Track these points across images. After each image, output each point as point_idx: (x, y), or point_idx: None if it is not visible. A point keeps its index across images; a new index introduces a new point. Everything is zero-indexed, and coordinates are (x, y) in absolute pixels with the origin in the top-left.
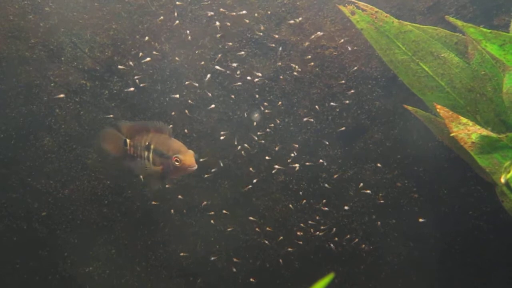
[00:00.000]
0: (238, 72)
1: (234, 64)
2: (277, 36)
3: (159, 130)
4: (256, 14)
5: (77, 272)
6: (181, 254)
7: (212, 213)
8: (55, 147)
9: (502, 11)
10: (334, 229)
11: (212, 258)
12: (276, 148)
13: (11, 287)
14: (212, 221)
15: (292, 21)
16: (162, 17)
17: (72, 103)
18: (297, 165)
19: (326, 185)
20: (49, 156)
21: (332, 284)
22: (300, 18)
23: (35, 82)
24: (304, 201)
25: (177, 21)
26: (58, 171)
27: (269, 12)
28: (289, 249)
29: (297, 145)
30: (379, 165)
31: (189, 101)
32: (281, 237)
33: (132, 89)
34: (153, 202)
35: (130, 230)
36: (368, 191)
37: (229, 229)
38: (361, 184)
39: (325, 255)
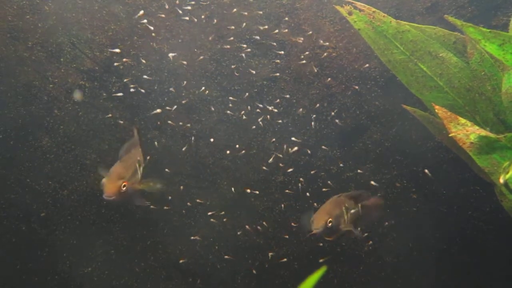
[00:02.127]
0: (237, 72)
1: (233, 65)
2: (276, 36)
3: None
4: (255, 15)
5: (76, 273)
6: (180, 254)
7: (211, 213)
8: (54, 148)
9: (500, 11)
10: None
11: (211, 258)
12: (275, 149)
13: None
14: (211, 222)
15: (291, 22)
16: (161, 18)
17: (70, 104)
18: (296, 164)
19: (325, 185)
20: (47, 156)
21: (332, 284)
22: (299, 19)
23: (34, 83)
24: (304, 201)
25: (175, 22)
26: (56, 171)
27: (268, 13)
28: (288, 249)
29: (296, 146)
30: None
31: (188, 101)
32: (280, 238)
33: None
34: (150, 205)
35: (129, 231)
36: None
37: (228, 230)
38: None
39: (324, 256)
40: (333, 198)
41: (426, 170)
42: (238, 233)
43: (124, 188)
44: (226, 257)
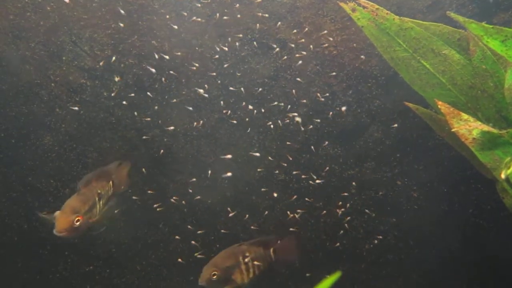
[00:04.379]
0: (238, 71)
1: (234, 64)
2: (277, 35)
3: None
4: (256, 13)
5: (78, 272)
6: (181, 253)
7: (212, 212)
8: (56, 146)
9: (501, 9)
10: (334, 227)
11: (212, 257)
12: (276, 147)
13: (12, 287)
14: (212, 220)
15: (291, 20)
16: (161, 16)
17: (72, 103)
18: (297, 163)
19: (327, 183)
20: (49, 155)
21: (333, 282)
22: (299, 17)
23: (35, 82)
24: (305, 200)
25: (177, 20)
26: (58, 170)
27: (269, 11)
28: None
29: (297, 144)
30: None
31: (189, 99)
32: (281, 235)
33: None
34: (156, 206)
35: (130, 229)
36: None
37: (229, 228)
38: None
39: (326, 254)
40: (230, 248)
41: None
42: (239, 231)
43: (78, 223)
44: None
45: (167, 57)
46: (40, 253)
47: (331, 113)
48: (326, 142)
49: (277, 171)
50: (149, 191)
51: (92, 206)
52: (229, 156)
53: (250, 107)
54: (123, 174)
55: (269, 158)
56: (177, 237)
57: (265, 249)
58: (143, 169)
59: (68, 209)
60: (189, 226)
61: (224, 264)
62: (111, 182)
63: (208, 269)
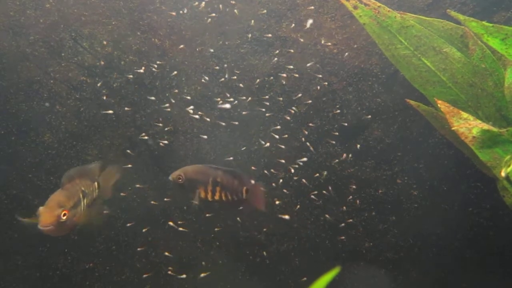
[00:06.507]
0: (238, 69)
1: (234, 61)
2: (277, 33)
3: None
4: (256, 11)
5: (78, 269)
6: (181, 250)
7: (212, 210)
8: (56, 144)
9: (501, 7)
10: (334, 225)
11: (212, 255)
12: (276, 145)
13: (12, 284)
14: (212, 218)
15: (292, 18)
16: (162, 14)
17: (72, 100)
18: (297, 161)
19: (327, 181)
20: (49, 152)
21: (332, 281)
22: (300, 15)
23: (35, 79)
24: (304, 197)
25: (177, 18)
26: (58, 167)
27: (269, 9)
28: (289, 245)
29: (297, 142)
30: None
31: (189, 98)
32: (281, 234)
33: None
34: (153, 202)
35: (130, 227)
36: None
37: (229, 226)
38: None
39: (325, 252)
40: (206, 166)
41: None
42: (239, 229)
43: (65, 217)
44: (227, 253)
45: (167, 54)
46: (40, 250)
47: (331, 111)
48: (326, 140)
49: (276, 169)
50: (149, 189)
51: (77, 203)
52: (227, 105)
53: (250, 104)
54: (109, 180)
55: (269, 156)
56: (176, 234)
57: (239, 184)
58: (144, 167)
59: (54, 203)
60: (189, 224)
61: (191, 176)
62: (96, 184)
63: (177, 172)
